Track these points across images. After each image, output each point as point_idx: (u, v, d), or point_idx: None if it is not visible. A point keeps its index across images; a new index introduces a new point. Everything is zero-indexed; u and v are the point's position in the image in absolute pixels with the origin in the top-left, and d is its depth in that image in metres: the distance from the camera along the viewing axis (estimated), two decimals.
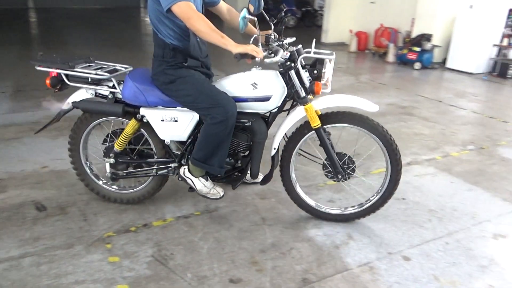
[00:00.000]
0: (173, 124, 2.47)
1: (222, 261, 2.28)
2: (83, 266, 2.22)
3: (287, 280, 2.15)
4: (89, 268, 2.20)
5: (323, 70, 2.31)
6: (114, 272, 2.17)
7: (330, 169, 2.52)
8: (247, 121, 2.40)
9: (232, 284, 2.12)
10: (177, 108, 2.45)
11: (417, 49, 7.75)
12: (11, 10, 16.23)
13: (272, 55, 2.23)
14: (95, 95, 2.57)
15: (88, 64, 2.59)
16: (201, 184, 2.53)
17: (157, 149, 2.63)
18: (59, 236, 2.46)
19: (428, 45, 7.67)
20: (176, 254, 2.33)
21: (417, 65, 7.73)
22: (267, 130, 2.45)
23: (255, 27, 2.26)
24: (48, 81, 2.50)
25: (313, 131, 2.43)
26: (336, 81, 6.63)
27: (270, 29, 2.42)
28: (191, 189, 2.58)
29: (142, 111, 2.48)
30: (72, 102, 2.56)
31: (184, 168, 2.54)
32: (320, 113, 2.45)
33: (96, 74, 2.45)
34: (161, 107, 2.47)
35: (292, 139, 2.52)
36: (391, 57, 8.42)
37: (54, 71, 2.49)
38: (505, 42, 7.29)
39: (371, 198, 2.58)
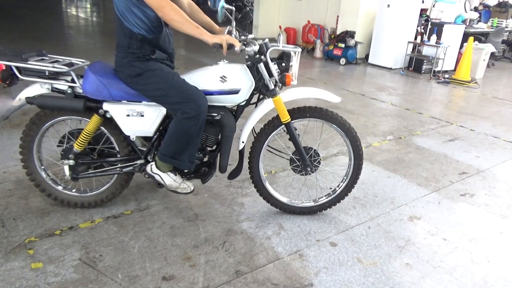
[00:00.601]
0: (139, 119, 2.38)
1: (154, 259, 2.25)
2: (2, 275, 2.07)
3: (220, 273, 2.18)
4: (9, 277, 2.06)
5: (290, 63, 2.39)
6: (37, 279, 2.06)
7: (298, 163, 2.60)
8: (216, 114, 2.39)
9: (165, 281, 2.10)
10: (143, 102, 2.36)
11: (342, 45, 8.14)
12: None
13: (252, 45, 2.25)
14: (52, 90, 2.39)
15: (41, 58, 2.40)
16: (170, 179, 2.46)
17: (120, 147, 2.52)
18: None
19: (351, 42, 8.09)
20: (106, 256, 2.26)
21: (342, 61, 8.13)
22: (235, 123, 2.46)
23: (231, 17, 2.28)
24: None
25: (283, 126, 2.50)
26: None
27: (230, 24, 2.41)
28: (160, 185, 2.51)
29: (106, 106, 2.35)
30: (26, 98, 2.35)
31: (151, 165, 2.47)
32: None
33: (54, 67, 2.28)
34: (125, 101, 2.36)
35: (261, 135, 2.55)
36: (318, 53, 8.76)
37: (6, 64, 2.27)
38: (419, 39, 7.91)
39: (339, 187, 2.73)
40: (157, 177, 2.46)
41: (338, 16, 8.68)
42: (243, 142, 2.53)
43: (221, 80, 2.35)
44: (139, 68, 2.25)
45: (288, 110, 2.52)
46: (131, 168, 2.54)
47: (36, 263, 2.17)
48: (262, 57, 2.34)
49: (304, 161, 2.59)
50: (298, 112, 2.53)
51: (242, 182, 3.15)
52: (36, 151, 2.55)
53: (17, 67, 2.29)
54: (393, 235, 2.62)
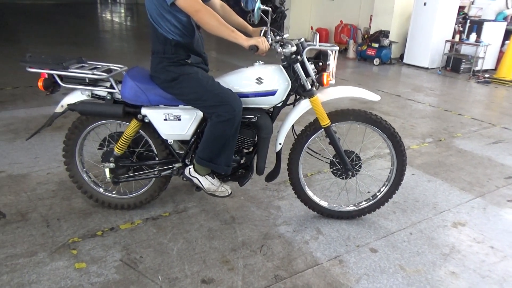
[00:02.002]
0: (176, 123, 2.40)
1: (193, 262, 2.26)
2: (47, 274, 2.13)
3: (259, 278, 2.16)
4: (55, 276, 2.12)
5: (328, 62, 2.35)
6: (81, 279, 2.10)
7: (339, 167, 2.55)
8: (252, 116, 2.37)
9: (204, 284, 2.10)
10: (180, 106, 2.39)
11: (376, 45, 7.98)
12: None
13: (289, 45, 2.24)
14: (91, 97, 2.45)
15: (81, 65, 2.47)
16: (208, 183, 2.47)
17: (159, 150, 2.56)
18: (21, 244, 2.35)
19: (385, 41, 7.92)
20: (146, 257, 2.28)
21: (376, 61, 7.96)
22: (272, 124, 2.44)
23: (266, 18, 2.25)
24: (41, 83, 2.35)
25: (322, 130, 2.46)
26: None
27: (266, 25, 2.40)
28: (198, 188, 2.53)
29: (144, 110, 2.39)
30: (68, 105, 2.42)
31: (190, 168, 2.49)
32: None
33: (94, 74, 2.33)
34: (162, 106, 2.40)
35: (302, 137, 2.52)
36: (351, 53, 8.62)
37: (48, 72, 2.34)
38: (457, 38, 7.64)
39: (379, 192, 2.67)
40: (195, 181, 2.47)
41: (371, 16, 8.51)
42: (280, 144, 2.51)
43: (257, 81, 2.34)
44: (174, 73, 2.27)
45: (329, 113, 2.47)
46: (169, 171, 2.56)
47: (79, 263, 2.22)
48: (299, 57, 2.31)
49: (345, 165, 2.53)
50: (340, 114, 2.48)
51: (278, 185, 3.12)
52: (78, 154, 2.62)
53: (58, 75, 2.35)
54: (436, 242, 2.52)
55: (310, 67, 2.35)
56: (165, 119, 2.40)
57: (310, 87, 2.37)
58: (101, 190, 2.70)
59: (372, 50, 8.01)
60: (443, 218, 2.79)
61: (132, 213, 2.70)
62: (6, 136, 3.81)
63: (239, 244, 2.43)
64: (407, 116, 4.98)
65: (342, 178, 2.61)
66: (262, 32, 2.24)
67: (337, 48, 2.37)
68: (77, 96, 2.45)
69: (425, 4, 7.55)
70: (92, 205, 2.76)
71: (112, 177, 2.55)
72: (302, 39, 2.37)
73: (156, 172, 2.59)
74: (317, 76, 2.35)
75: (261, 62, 2.42)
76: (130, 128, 2.46)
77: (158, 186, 2.66)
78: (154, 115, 2.40)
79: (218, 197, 2.50)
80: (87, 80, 2.37)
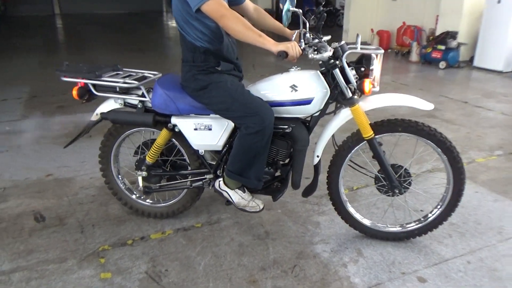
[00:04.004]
0: (207, 132, 2.30)
1: (218, 279, 2.13)
2: (73, 282, 2.11)
3: None
4: (79, 285, 2.09)
5: (371, 67, 2.10)
6: None
7: (384, 183, 2.30)
8: (286, 127, 2.21)
9: None
10: (211, 115, 2.28)
11: (442, 47, 7.40)
12: (38, 17, 16.68)
13: (316, 52, 2.03)
14: (124, 105, 2.43)
15: (115, 72, 2.47)
16: (238, 197, 2.33)
17: (191, 160, 2.47)
18: (54, 249, 2.37)
19: (453, 43, 7.31)
20: (171, 271, 2.19)
21: (442, 64, 7.38)
22: (308, 136, 2.25)
23: (299, 21, 2.07)
24: (75, 92, 2.36)
25: (365, 142, 2.23)
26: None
27: (305, 27, 2.23)
28: (228, 202, 2.39)
29: (174, 120, 2.32)
30: (101, 113, 2.42)
31: (219, 181, 2.37)
32: (369, 121, 2.25)
33: (124, 83, 2.30)
34: (193, 115, 2.31)
35: (343, 148, 2.30)
36: (414, 56, 8.08)
37: (81, 81, 2.36)
38: None
39: (432, 213, 2.37)
40: (225, 194, 2.34)
41: (437, 16, 7.92)
42: (318, 156, 2.31)
43: (291, 89, 2.16)
44: (203, 81, 2.16)
45: (375, 123, 2.23)
46: (200, 182, 2.46)
47: (105, 273, 2.18)
48: (337, 61, 2.09)
49: (391, 181, 2.26)
50: (386, 125, 2.22)
51: (320, 199, 2.90)
52: (113, 161, 2.61)
53: (92, 84, 2.34)
54: (499, 275, 2.16)
55: (351, 73, 2.12)
56: (195, 129, 2.30)
57: (350, 95, 2.14)
58: (134, 197, 2.67)
59: (438, 52, 7.43)
60: (510, 246, 2.41)
61: (164, 222, 2.64)
62: (59, 140, 3.96)
63: (270, 263, 2.26)
64: (473, 125, 4.49)
65: (388, 195, 2.34)
66: (294, 36, 2.05)
67: (382, 51, 2.12)
68: (111, 104, 2.43)
69: (499, 1, 6.86)
70: (127, 212, 2.74)
71: (144, 187, 2.50)
72: (343, 42, 2.15)
73: (188, 183, 2.50)
74: (359, 82, 2.11)
75: (298, 68, 2.24)
76: (161, 137, 2.39)
77: (190, 197, 2.57)
78: (184, 124, 2.31)
79: (249, 212, 2.35)
80: (117, 89, 2.34)
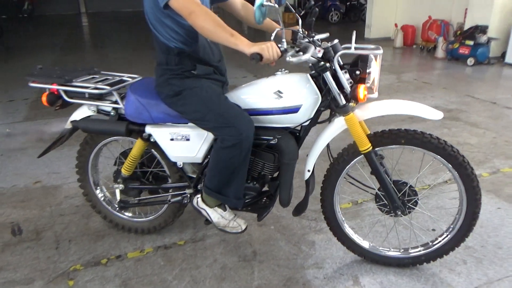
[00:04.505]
0: (185, 143, 2.06)
1: None
2: None
3: None
4: None
5: (368, 70, 1.82)
6: None
7: (386, 201, 2.01)
8: (271, 138, 1.96)
9: None
10: (189, 124, 2.04)
11: (470, 42, 6.89)
12: (64, 15, 16.95)
13: (301, 53, 1.73)
14: (98, 112, 2.23)
15: (91, 76, 2.27)
16: (218, 216, 2.10)
17: (171, 172, 2.24)
18: (23, 268, 2.20)
19: (483, 38, 6.79)
20: None
21: (470, 61, 6.88)
22: (297, 148, 1.98)
23: (278, 19, 1.78)
24: (44, 98, 2.17)
25: (362, 156, 1.95)
26: None
27: (298, 24, 1.97)
28: (207, 221, 2.16)
29: (148, 129, 2.09)
30: (72, 121, 2.23)
31: (198, 198, 2.14)
32: (368, 131, 1.99)
33: (95, 88, 2.10)
34: (170, 123, 2.08)
35: (338, 162, 2.01)
36: (440, 53, 7.59)
37: (49, 87, 2.17)
38: None
39: (441, 237, 2.05)
40: (203, 213, 2.10)
41: (466, 9, 7.40)
42: (309, 171, 2.03)
43: (276, 96, 1.89)
44: (177, 87, 1.92)
45: (374, 134, 1.94)
46: (179, 198, 2.23)
47: None
48: (328, 64, 1.81)
49: (393, 202, 1.96)
50: (387, 136, 1.92)
51: (319, 213, 2.60)
52: (91, 171, 2.42)
53: (64, 90, 2.14)
54: None
55: (344, 77, 1.83)
56: (172, 139, 2.07)
57: (344, 102, 1.85)
58: (114, 210, 2.47)
59: (466, 48, 6.94)
60: None
61: (145, 238, 2.43)
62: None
63: None
64: (501, 129, 4.07)
65: (391, 216, 2.04)
66: (273, 35, 1.77)
67: (381, 51, 1.81)
68: (84, 111, 2.23)
69: None
70: (107, 226, 2.54)
71: (119, 201, 2.29)
72: (336, 41, 1.85)
73: (167, 198, 2.28)
74: (352, 88, 1.82)
75: (285, 71, 1.97)
76: (135, 148, 2.18)
77: (172, 212, 2.35)
78: (160, 134, 2.08)
79: (229, 233, 2.10)
80: (86, 95, 2.13)
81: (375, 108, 1.90)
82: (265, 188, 2.15)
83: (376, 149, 1.93)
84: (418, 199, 2.01)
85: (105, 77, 2.28)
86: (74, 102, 2.19)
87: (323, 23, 13.55)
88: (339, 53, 1.80)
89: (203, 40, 1.93)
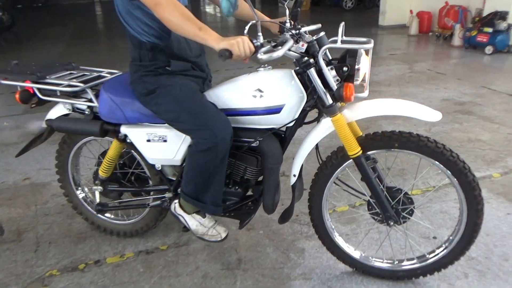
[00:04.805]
0: (162, 145, 1.91)
1: None
2: None
3: None
4: None
5: (357, 66, 1.62)
6: None
7: (378, 210, 1.84)
8: (252, 140, 1.80)
9: None
10: (166, 124, 1.88)
11: (489, 29, 6.53)
12: (77, 4, 16.96)
13: (280, 48, 1.54)
14: (73, 111, 2.10)
15: (68, 72, 2.15)
16: (196, 223, 1.96)
17: (151, 173, 2.11)
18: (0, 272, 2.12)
19: (502, 25, 6.42)
20: None
21: (489, 49, 6.52)
22: (282, 151, 1.82)
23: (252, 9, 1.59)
24: (17, 96, 2.05)
25: (351, 160, 1.78)
26: (384, 72, 5.76)
27: (285, 15, 1.77)
28: (185, 228, 2.02)
29: (123, 129, 1.96)
30: (46, 120, 2.12)
31: (175, 203, 2.01)
32: (360, 133, 1.82)
33: (68, 85, 1.96)
34: (147, 123, 1.94)
35: (326, 166, 1.84)
36: (457, 40, 7.24)
37: (19, 85, 2.04)
38: None
39: (439, 249, 1.88)
40: (181, 219, 1.97)
41: None
42: (294, 175, 1.87)
43: (256, 94, 1.72)
44: (151, 84, 1.78)
45: (365, 136, 1.76)
46: (159, 202, 2.10)
47: None
48: (312, 60, 1.63)
49: (385, 211, 1.79)
50: (380, 139, 1.74)
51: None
52: (71, 171, 2.31)
53: (37, 87, 2.02)
54: None
55: (331, 74, 1.65)
56: (149, 140, 1.93)
57: (330, 101, 1.67)
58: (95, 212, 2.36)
59: (484, 35, 6.58)
60: None
61: (127, 242, 2.32)
62: (51, 138, 3.75)
63: None
64: None
65: (385, 225, 1.87)
66: (247, 28, 1.58)
67: (371, 45, 1.62)
68: (60, 110, 2.12)
69: None
70: (90, 228, 2.44)
71: (96, 204, 2.17)
72: (321, 34, 1.67)
73: (147, 201, 2.16)
74: (338, 86, 1.64)
75: (268, 67, 1.80)
76: (112, 149, 2.05)
77: (154, 216, 2.23)
78: (136, 135, 1.95)
79: (208, 241, 1.97)
80: (58, 93, 2.00)
81: (366, 108, 1.72)
82: (250, 193, 2.01)
83: (365, 153, 1.76)
84: (414, 207, 1.84)
85: (82, 73, 2.16)
86: (48, 100, 2.07)
87: (337, 10, 13.19)
88: (324, 47, 1.62)
89: (178, 34, 1.78)
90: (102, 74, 2.15)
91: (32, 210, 2.67)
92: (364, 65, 1.65)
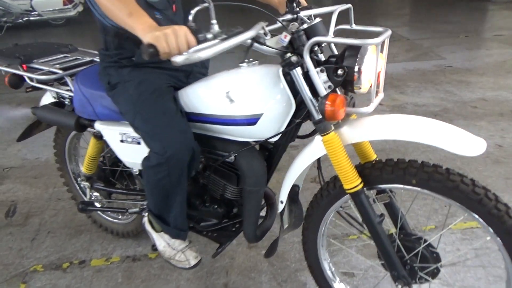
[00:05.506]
0: (136, 147, 1.61)
1: None
2: None
3: None
4: None
5: (357, 68, 1.14)
6: None
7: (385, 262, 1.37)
8: (226, 154, 1.44)
9: None
10: None
11: None
12: None
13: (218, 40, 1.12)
14: (58, 99, 1.95)
15: (63, 55, 2.00)
16: (164, 244, 1.67)
17: (135, 175, 1.89)
18: None
19: None
20: None
21: None
22: (264, 170, 1.42)
23: None
24: (6, 80, 1.93)
25: (347, 195, 1.33)
26: (480, 57, 4.80)
27: None
28: (154, 247, 1.73)
29: (97, 125, 1.71)
30: (31, 108, 1.97)
31: (145, 217, 1.75)
32: (374, 156, 1.40)
33: (49, 72, 1.80)
34: (123, 121, 1.65)
35: (319, 200, 1.42)
36: None
37: (4, 70, 1.94)
38: None
39: None
40: (150, 236, 1.70)
41: None
42: (282, 202, 1.46)
43: (226, 99, 1.33)
44: (113, 78, 1.49)
45: (371, 164, 1.29)
46: (137, 209, 1.85)
47: None
48: (294, 57, 1.19)
49: (393, 268, 1.32)
50: (391, 171, 1.24)
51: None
52: (69, 162, 2.18)
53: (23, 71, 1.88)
54: None
55: (318, 78, 1.19)
56: (122, 141, 1.67)
57: (320, 116, 1.22)
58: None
59: None
60: None
61: (119, 243, 2.15)
62: None
63: None
64: None
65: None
66: (193, 13, 1.15)
67: (380, 40, 1.11)
68: (48, 97, 1.96)
69: None
70: (90, 221, 2.32)
71: (79, 202, 2.00)
72: (315, 21, 1.21)
73: (127, 207, 1.93)
74: (321, 98, 1.18)
75: (254, 62, 1.38)
76: (91, 146, 1.85)
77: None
78: (109, 134, 1.70)
79: (176, 267, 1.67)
80: (34, 81, 1.82)
81: (374, 127, 1.22)
82: (235, 211, 1.66)
83: (370, 187, 1.29)
84: (441, 266, 1.33)
85: (75, 57, 1.96)
86: (36, 86, 1.92)
87: None
88: (311, 41, 1.16)
89: None
90: (95, 59, 1.94)
91: (48, 192, 2.64)
92: (371, 67, 1.16)
